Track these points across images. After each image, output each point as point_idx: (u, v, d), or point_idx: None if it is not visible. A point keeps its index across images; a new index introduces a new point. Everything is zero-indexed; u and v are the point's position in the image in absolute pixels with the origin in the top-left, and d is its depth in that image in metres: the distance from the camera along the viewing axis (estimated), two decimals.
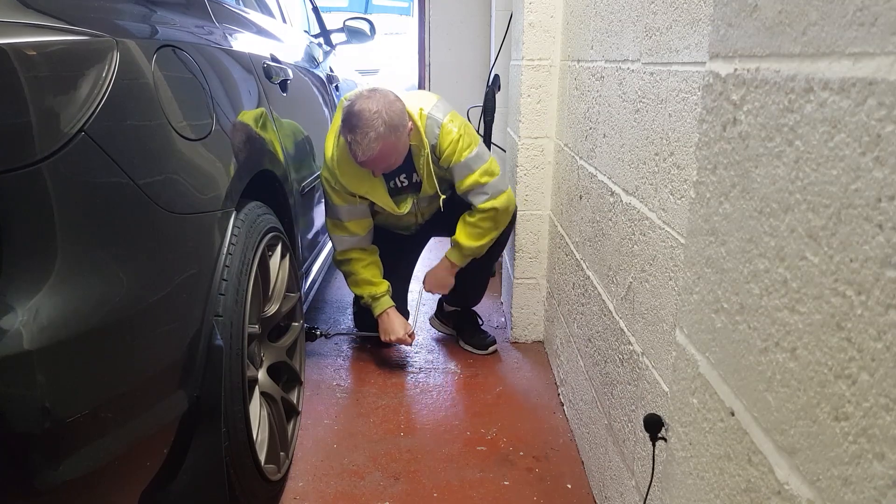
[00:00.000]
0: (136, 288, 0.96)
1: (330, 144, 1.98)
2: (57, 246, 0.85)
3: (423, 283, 2.28)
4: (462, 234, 2.10)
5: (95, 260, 0.90)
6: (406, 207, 2.10)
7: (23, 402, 0.80)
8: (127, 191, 0.96)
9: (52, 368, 0.83)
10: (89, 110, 0.89)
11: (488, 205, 2.02)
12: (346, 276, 2.21)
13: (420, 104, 1.98)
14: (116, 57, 0.96)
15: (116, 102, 0.94)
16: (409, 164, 2.03)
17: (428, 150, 1.96)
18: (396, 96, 1.90)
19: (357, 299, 2.34)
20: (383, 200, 2.04)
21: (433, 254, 2.53)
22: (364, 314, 2.31)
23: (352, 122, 1.82)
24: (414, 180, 2.10)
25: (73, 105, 0.87)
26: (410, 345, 2.25)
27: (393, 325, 2.16)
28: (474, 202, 2.04)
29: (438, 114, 1.98)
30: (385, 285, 2.18)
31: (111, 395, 0.93)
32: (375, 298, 2.16)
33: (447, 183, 2.08)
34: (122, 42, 0.98)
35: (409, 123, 1.90)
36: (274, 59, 1.82)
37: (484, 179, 2.01)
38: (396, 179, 2.10)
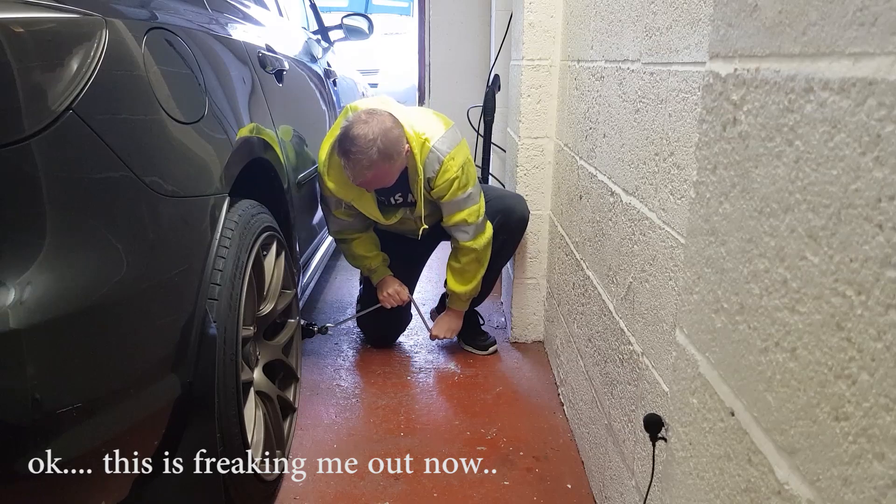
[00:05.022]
0: (127, 268, 0.96)
1: (324, 151, 1.98)
2: (46, 223, 0.85)
3: (431, 331, 2.28)
4: (452, 282, 2.17)
5: (85, 238, 0.90)
6: (394, 219, 2.11)
7: (11, 384, 0.80)
8: (116, 171, 0.95)
9: (43, 347, 0.83)
10: (77, 88, 0.89)
11: (469, 244, 2.06)
12: (343, 251, 2.26)
13: (426, 131, 1.94)
14: (105, 36, 0.95)
15: (105, 81, 0.93)
16: (404, 185, 2.03)
17: (423, 179, 1.95)
18: (395, 121, 1.87)
19: (361, 297, 2.38)
20: (370, 210, 2.05)
21: (439, 254, 2.53)
22: (366, 296, 2.33)
23: (346, 146, 1.82)
24: (409, 200, 2.10)
25: (61, 83, 0.87)
26: (404, 303, 2.25)
27: (389, 287, 2.21)
28: (455, 237, 2.08)
29: (443, 147, 1.95)
30: (380, 256, 2.21)
31: (102, 376, 0.92)
32: (372, 270, 2.22)
33: (434, 207, 2.08)
34: (111, 21, 0.97)
35: (406, 146, 1.89)
36: (269, 49, 1.80)
37: (471, 220, 2.04)
38: (392, 198, 2.10)
